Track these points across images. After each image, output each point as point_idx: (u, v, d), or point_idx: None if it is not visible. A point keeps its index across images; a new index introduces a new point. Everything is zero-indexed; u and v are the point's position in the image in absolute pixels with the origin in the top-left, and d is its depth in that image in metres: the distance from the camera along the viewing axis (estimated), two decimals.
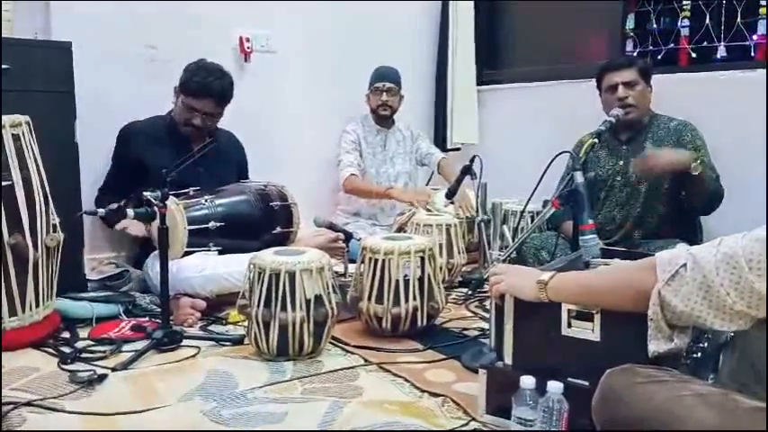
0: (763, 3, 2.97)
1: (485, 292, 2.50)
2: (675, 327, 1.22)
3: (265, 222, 2.72)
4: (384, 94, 3.53)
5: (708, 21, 3.17)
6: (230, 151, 3.02)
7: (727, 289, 1.10)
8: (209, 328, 2.41)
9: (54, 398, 1.77)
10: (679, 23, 3.29)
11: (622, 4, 3.50)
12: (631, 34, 3.50)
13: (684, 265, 1.16)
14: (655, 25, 3.41)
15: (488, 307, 2.34)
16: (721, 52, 3.15)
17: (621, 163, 2.74)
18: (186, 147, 2.70)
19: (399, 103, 3.62)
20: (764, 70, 2.83)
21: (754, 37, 3.05)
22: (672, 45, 3.34)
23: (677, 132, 2.66)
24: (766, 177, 2.18)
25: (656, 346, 1.24)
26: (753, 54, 3.06)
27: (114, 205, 2.27)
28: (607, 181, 2.76)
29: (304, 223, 2.89)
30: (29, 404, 1.72)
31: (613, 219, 2.75)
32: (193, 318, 2.42)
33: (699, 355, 1.48)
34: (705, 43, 3.20)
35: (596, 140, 2.44)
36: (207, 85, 2.71)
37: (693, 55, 3.24)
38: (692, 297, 1.15)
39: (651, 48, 3.42)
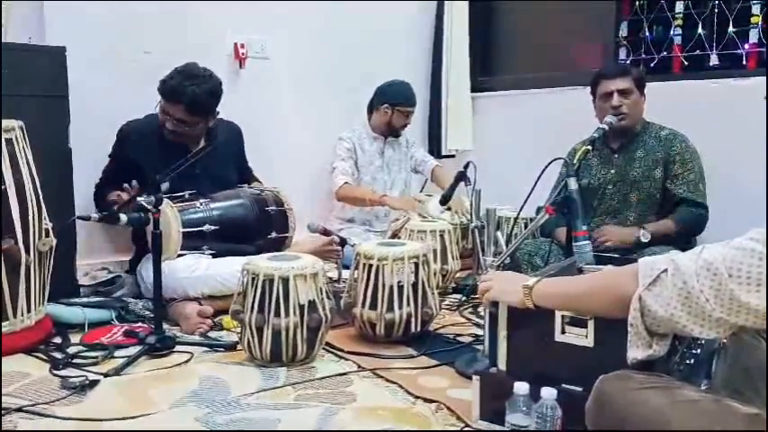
0: (755, 12, 3.00)
1: (478, 298, 2.52)
2: (655, 334, 1.22)
3: (261, 227, 2.72)
4: (409, 116, 3.58)
5: (700, 29, 3.19)
6: (229, 147, 2.96)
7: (707, 296, 1.10)
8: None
9: (45, 404, 1.76)
10: (672, 32, 3.32)
11: (615, 12, 3.52)
12: (624, 42, 3.52)
13: (665, 270, 1.17)
14: (648, 33, 3.43)
15: (482, 313, 2.35)
16: (714, 60, 3.17)
17: (613, 171, 2.75)
18: (182, 147, 2.66)
19: None
20: (756, 78, 2.85)
21: (746, 45, 3.07)
22: (665, 53, 3.36)
23: (667, 142, 2.69)
24: (766, 183, 2.20)
25: (634, 352, 1.24)
26: (744, 62, 3.09)
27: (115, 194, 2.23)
28: (599, 189, 2.77)
29: (298, 229, 2.89)
30: (20, 410, 1.71)
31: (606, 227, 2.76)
32: (204, 326, 2.38)
33: (692, 361, 1.48)
34: (698, 52, 3.22)
35: (590, 148, 2.45)
36: (178, 91, 2.59)
37: (686, 63, 3.27)
38: (671, 302, 1.15)
39: (644, 56, 3.44)
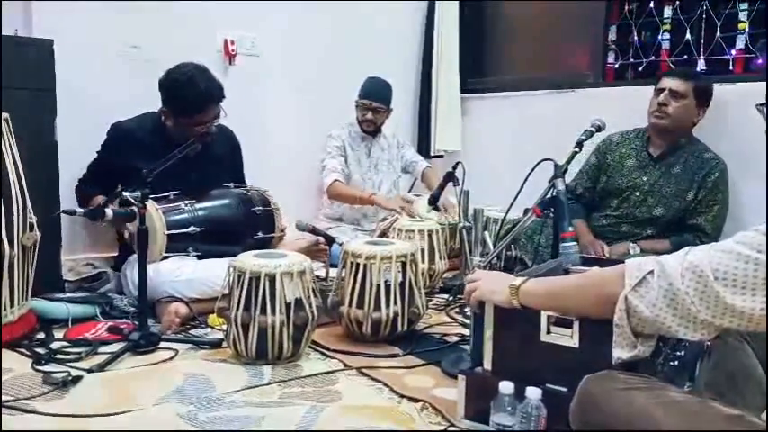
0: (742, 18, 3.03)
1: (465, 298, 2.53)
2: (640, 334, 1.23)
3: (247, 227, 2.69)
4: (369, 112, 3.52)
5: (688, 35, 3.22)
6: (225, 151, 2.92)
7: (692, 298, 1.11)
8: (189, 331, 2.38)
9: (27, 399, 1.74)
10: (660, 37, 3.34)
11: (604, 16, 3.54)
12: (613, 46, 3.54)
13: (652, 271, 1.18)
14: (636, 38, 3.45)
15: (468, 313, 2.35)
16: (701, 65, 3.20)
17: (645, 179, 2.72)
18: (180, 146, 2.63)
19: (386, 119, 3.62)
20: (743, 83, 2.88)
21: (733, 51, 3.10)
22: (653, 58, 3.38)
23: (707, 166, 2.65)
24: (766, 185, 2.22)
25: (619, 352, 1.25)
26: (731, 68, 3.11)
27: (101, 198, 2.24)
28: (625, 191, 2.74)
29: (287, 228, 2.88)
30: (1, 405, 1.69)
31: (618, 230, 2.75)
32: (174, 325, 2.35)
33: (676, 362, 1.49)
34: (685, 57, 3.25)
35: (578, 150, 2.44)
36: (206, 94, 2.58)
37: (673, 68, 3.29)
38: (657, 304, 1.16)
39: (632, 60, 3.46)
